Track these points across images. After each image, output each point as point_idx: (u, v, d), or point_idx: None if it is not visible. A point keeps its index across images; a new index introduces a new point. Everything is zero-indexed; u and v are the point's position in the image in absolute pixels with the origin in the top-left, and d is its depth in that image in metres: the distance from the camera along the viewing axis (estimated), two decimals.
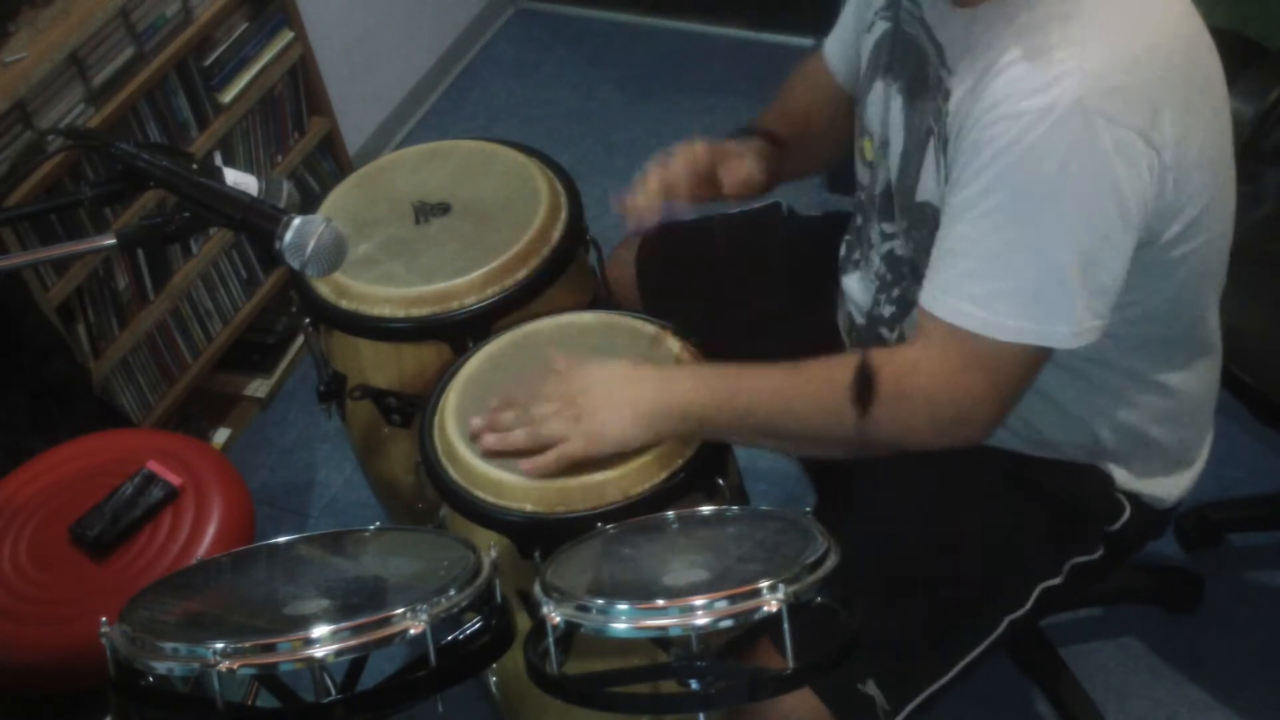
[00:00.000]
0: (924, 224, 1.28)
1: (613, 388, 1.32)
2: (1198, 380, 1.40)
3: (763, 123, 1.56)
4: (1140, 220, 1.14)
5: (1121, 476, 1.40)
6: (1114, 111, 1.09)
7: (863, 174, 1.45)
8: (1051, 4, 1.13)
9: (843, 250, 1.52)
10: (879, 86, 1.37)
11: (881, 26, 1.37)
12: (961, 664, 1.37)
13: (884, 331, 1.43)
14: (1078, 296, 1.14)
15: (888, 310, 1.42)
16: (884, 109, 1.35)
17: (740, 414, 1.29)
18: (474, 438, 1.37)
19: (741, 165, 1.48)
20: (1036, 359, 1.20)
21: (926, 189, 1.28)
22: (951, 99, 1.21)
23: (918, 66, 1.28)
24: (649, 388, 1.32)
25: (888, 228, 1.39)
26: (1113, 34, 1.11)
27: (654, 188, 1.41)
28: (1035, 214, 1.13)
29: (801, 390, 1.26)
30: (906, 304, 1.38)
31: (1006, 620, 1.38)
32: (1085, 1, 1.12)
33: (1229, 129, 1.22)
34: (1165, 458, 1.42)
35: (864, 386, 1.20)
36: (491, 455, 1.35)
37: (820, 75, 1.57)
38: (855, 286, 1.48)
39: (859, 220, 1.48)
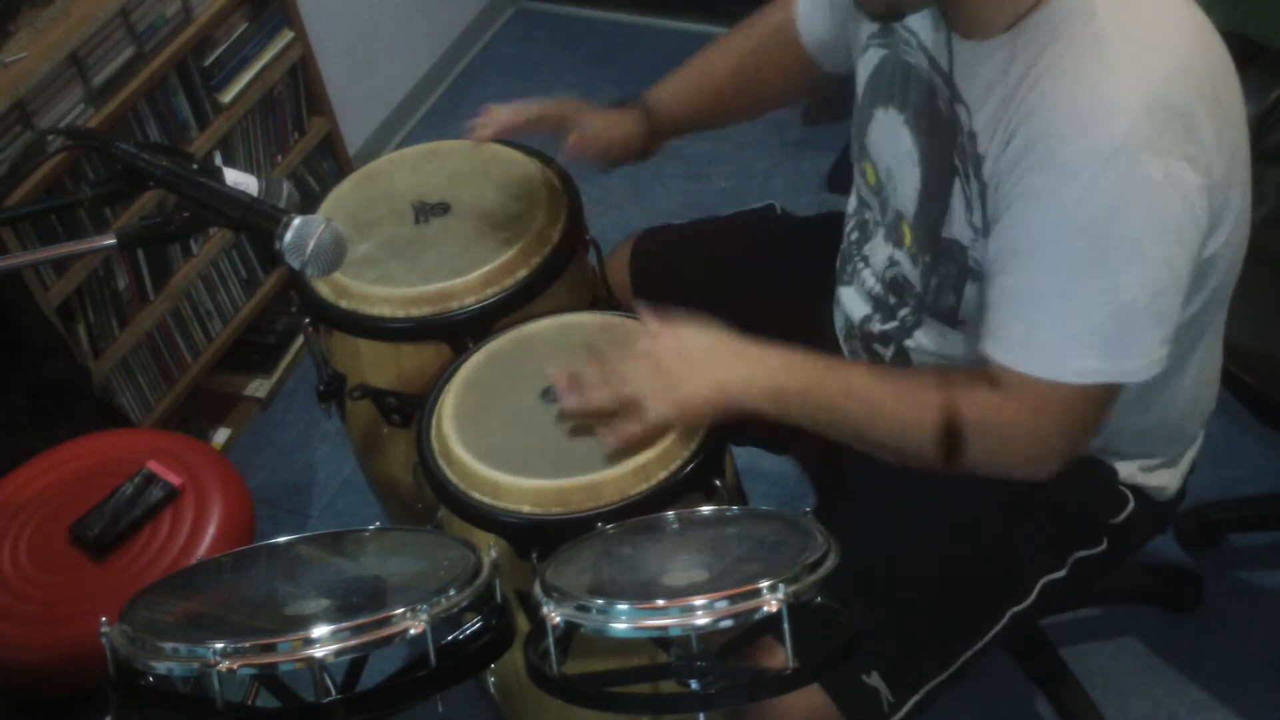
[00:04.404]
0: (952, 260, 1.28)
1: (702, 356, 1.30)
2: (1205, 377, 1.40)
3: (682, 81, 1.63)
4: (1196, 242, 1.15)
5: (1125, 470, 1.41)
6: (1158, 142, 1.09)
7: (867, 196, 1.45)
8: (1075, 27, 1.12)
9: (838, 260, 1.52)
10: (881, 116, 1.36)
11: (877, 53, 1.36)
12: (965, 656, 1.37)
13: (877, 348, 1.43)
14: (1148, 330, 1.15)
15: (877, 328, 1.42)
16: (891, 140, 1.35)
17: (821, 408, 1.28)
18: (556, 391, 1.35)
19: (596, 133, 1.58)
20: (1112, 394, 1.20)
21: (956, 227, 1.27)
22: (979, 141, 1.21)
23: (925, 99, 1.28)
24: (739, 362, 1.29)
25: (897, 254, 1.39)
26: (1142, 60, 1.10)
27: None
28: (1097, 258, 1.12)
29: (890, 410, 1.25)
30: (905, 326, 1.39)
31: (1009, 614, 1.39)
32: (1109, 31, 1.11)
33: (1247, 135, 1.22)
34: (1170, 451, 1.43)
35: (953, 441, 1.21)
36: (569, 416, 1.34)
37: (787, 35, 1.57)
38: (849, 299, 1.49)
39: (855, 235, 1.48)
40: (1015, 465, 1.24)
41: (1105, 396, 1.20)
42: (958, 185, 1.25)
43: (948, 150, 1.25)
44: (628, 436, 1.30)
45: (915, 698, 1.34)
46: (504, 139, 1.78)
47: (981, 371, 1.22)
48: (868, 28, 1.38)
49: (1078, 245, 1.13)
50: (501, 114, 1.56)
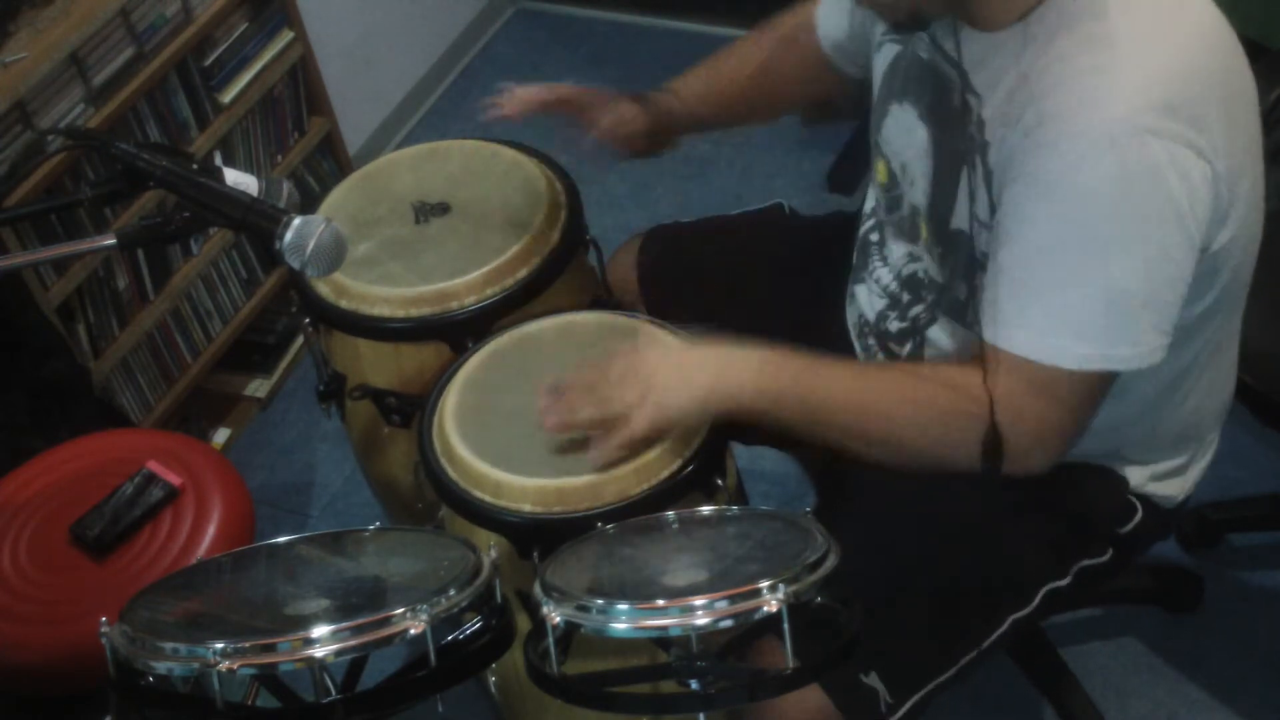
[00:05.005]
0: (959, 251, 1.28)
1: (677, 366, 1.30)
2: (1219, 380, 1.40)
3: (702, 78, 1.65)
4: (1200, 233, 1.14)
5: (1136, 479, 1.40)
6: (1164, 128, 1.08)
7: (877, 194, 1.45)
8: (1086, 24, 1.12)
9: (855, 256, 1.52)
10: (896, 111, 1.36)
11: (891, 49, 1.36)
12: (965, 659, 1.36)
13: (893, 346, 1.43)
14: (1142, 318, 1.14)
15: (894, 326, 1.42)
16: (905, 134, 1.34)
17: (807, 411, 1.26)
18: (543, 415, 1.33)
19: (617, 116, 1.60)
20: (1105, 382, 1.19)
21: (961, 217, 1.27)
22: (987, 128, 1.20)
23: (939, 91, 1.28)
24: (710, 367, 1.29)
25: (915, 250, 1.38)
26: (1154, 51, 1.11)
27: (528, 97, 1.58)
28: (1094, 241, 1.12)
29: (877, 410, 1.24)
30: (919, 324, 1.39)
31: (1011, 619, 1.38)
32: (1119, 21, 1.11)
33: (1260, 135, 1.22)
34: (1182, 457, 1.42)
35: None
36: (558, 430, 1.33)
37: (807, 37, 1.56)
38: (864, 298, 1.48)
39: (874, 235, 1.48)
40: (1007, 456, 1.21)
41: (1099, 384, 1.19)
42: (965, 175, 1.25)
43: (957, 140, 1.25)
44: (613, 451, 1.29)
45: (914, 699, 1.34)
46: (503, 140, 1.78)
47: (972, 361, 1.22)
48: (883, 24, 1.38)
49: (1074, 227, 1.12)
50: (524, 92, 1.58)
